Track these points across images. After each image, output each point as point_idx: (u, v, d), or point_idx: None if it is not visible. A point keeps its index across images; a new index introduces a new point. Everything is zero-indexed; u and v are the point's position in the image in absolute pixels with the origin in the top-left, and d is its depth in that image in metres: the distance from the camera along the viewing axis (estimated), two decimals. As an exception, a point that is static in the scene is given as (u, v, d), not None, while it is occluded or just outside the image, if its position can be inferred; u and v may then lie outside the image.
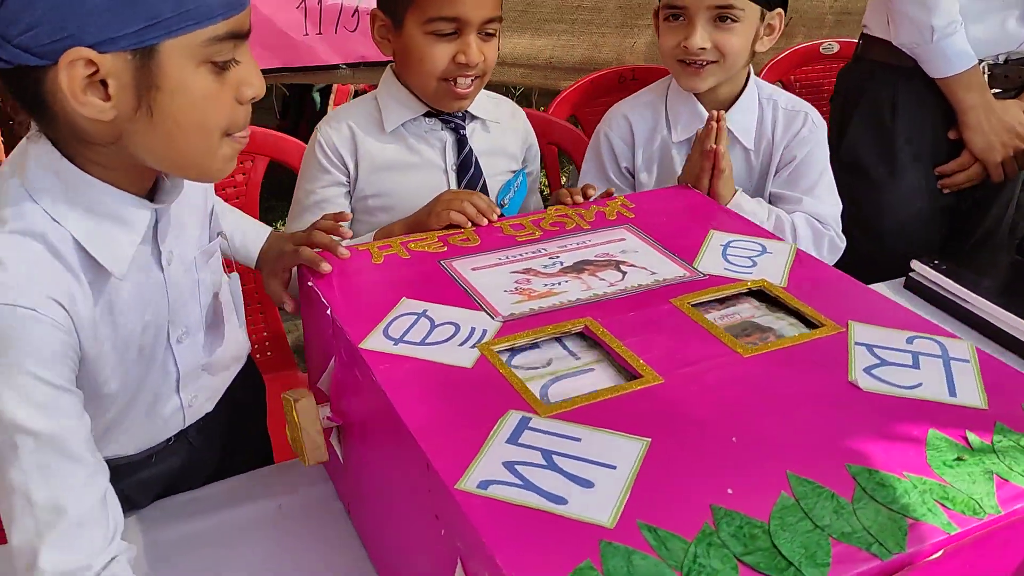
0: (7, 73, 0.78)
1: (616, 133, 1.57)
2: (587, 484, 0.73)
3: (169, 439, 1.09)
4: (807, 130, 1.51)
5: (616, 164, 1.57)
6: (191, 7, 0.77)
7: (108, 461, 1.04)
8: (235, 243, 1.19)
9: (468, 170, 1.38)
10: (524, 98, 3.12)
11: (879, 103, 1.79)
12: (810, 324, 0.98)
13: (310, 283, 1.07)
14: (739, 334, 0.95)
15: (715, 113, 1.37)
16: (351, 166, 1.37)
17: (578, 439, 0.78)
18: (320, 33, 2.05)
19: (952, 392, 0.85)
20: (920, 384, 0.86)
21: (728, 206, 1.36)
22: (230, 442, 1.19)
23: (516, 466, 0.75)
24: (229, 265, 1.12)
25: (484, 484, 0.73)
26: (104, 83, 0.77)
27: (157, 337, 0.98)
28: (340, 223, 1.10)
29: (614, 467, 0.75)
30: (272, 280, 1.15)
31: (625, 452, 0.76)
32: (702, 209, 1.28)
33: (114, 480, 1.06)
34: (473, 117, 1.41)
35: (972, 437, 0.78)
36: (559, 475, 0.74)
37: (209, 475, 1.14)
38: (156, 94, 0.79)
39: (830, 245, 1.47)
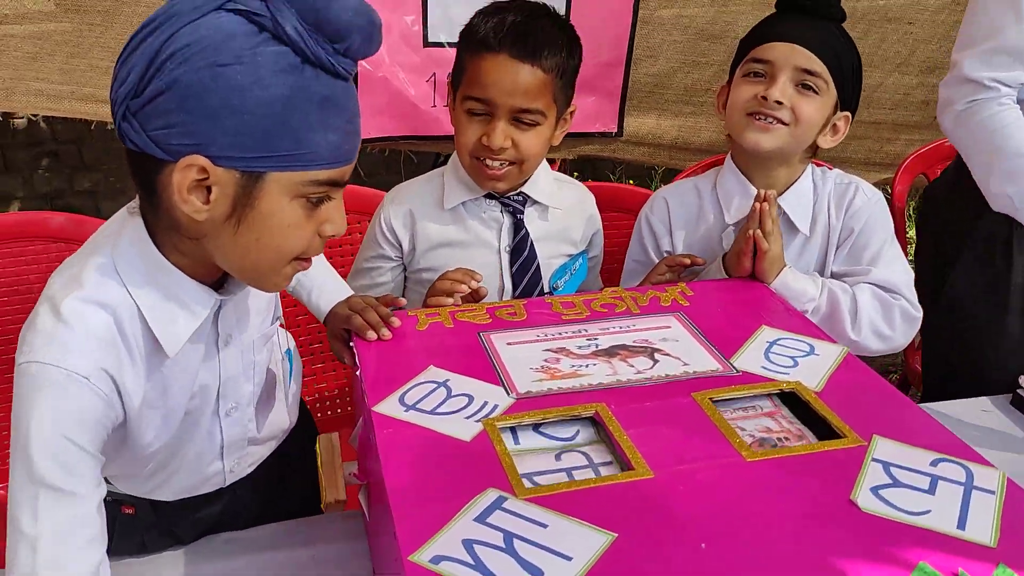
0: (132, 154, 0.88)
1: (656, 216, 1.55)
2: (537, 572, 0.73)
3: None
4: (860, 200, 1.44)
5: (656, 246, 1.54)
6: (303, 152, 0.85)
7: (153, 503, 1.13)
8: (311, 298, 1.27)
9: (522, 253, 1.40)
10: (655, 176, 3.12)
11: (991, 242, 1.63)
12: (834, 434, 0.93)
13: (352, 343, 1.13)
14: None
15: (762, 192, 1.33)
16: (406, 245, 1.43)
17: (545, 525, 0.78)
18: (447, 105, 2.15)
19: (961, 524, 0.78)
20: (928, 511, 0.80)
21: (773, 286, 1.32)
22: (276, 492, 1.25)
23: (475, 545, 0.76)
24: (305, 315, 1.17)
25: (437, 559, 0.74)
26: (209, 189, 0.86)
27: (203, 407, 1.05)
28: (392, 315, 1.15)
29: (570, 558, 0.74)
30: (333, 339, 1.22)
31: (587, 544, 0.76)
32: (763, 304, 1.25)
33: (159, 519, 1.15)
34: (534, 201, 1.43)
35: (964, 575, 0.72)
36: (513, 560, 0.74)
37: (253, 518, 1.20)
38: (249, 211, 0.87)
39: (903, 315, 1.37)
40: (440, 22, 2.08)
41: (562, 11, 2.12)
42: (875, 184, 2.49)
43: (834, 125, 1.42)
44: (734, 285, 1.32)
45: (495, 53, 1.27)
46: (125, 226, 0.94)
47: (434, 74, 2.15)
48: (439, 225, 1.41)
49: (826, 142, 1.44)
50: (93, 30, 1.96)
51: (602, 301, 1.23)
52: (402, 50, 2.09)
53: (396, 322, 1.14)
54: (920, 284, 1.57)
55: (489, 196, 1.41)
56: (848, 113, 1.44)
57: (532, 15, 1.31)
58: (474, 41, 1.30)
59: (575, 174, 3.61)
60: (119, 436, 0.96)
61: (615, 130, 2.33)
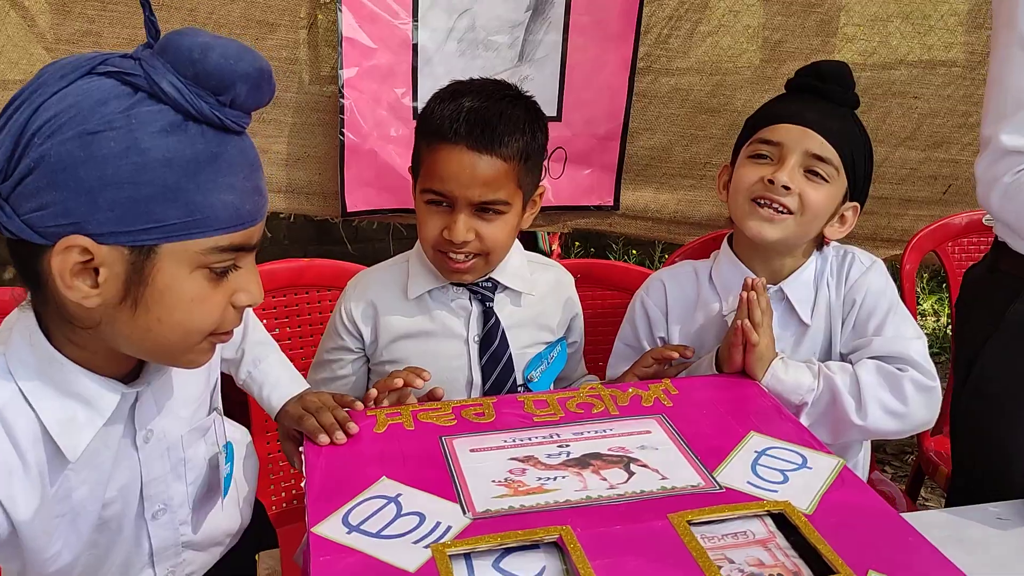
0: (11, 242, 0.81)
1: (652, 300, 1.46)
2: None
3: None
4: (856, 270, 1.36)
5: (650, 332, 1.45)
6: (199, 217, 0.78)
7: None
8: (262, 393, 1.18)
9: (492, 343, 1.31)
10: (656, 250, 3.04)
11: (1022, 329, 1.56)
12: (826, 568, 0.83)
13: (301, 448, 1.04)
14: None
15: (749, 280, 1.24)
16: (368, 337, 1.34)
17: None
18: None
19: None
20: (930, 672, 0.70)
21: (764, 383, 1.22)
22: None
23: None
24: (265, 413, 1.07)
25: None
26: (96, 271, 0.78)
27: (125, 511, 0.96)
28: (349, 419, 1.06)
29: None
30: (285, 439, 1.13)
31: None
32: (753, 404, 1.15)
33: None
34: (504, 287, 1.34)
35: None
36: None
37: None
38: (144, 290, 0.80)
39: (915, 386, 1.25)
40: (430, 95, 2.02)
41: (556, 87, 2.10)
42: (883, 261, 2.42)
43: (842, 215, 1.34)
44: (723, 382, 1.22)
45: (452, 144, 1.20)
46: (15, 326, 0.87)
47: (424, 148, 2.10)
48: (403, 316, 1.32)
49: (833, 233, 1.36)
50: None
51: (579, 400, 1.14)
52: (392, 122, 2.04)
53: (353, 428, 1.05)
54: (956, 370, 1.47)
55: (456, 283, 1.32)
56: (857, 204, 1.36)
57: (491, 97, 1.24)
58: (430, 130, 1.23)
59: (576, 244, 3.55)
60: (13, 546, 0.87)
61: (612, 203, 2.26)
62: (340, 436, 1.03)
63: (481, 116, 1.20)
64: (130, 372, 0.91)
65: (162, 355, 0.87)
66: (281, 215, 2.14)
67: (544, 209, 1.71)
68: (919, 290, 3.75)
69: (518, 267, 1.35)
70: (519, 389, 1.34)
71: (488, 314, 1.31)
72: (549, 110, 2.09)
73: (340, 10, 1.90)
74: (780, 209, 1.29)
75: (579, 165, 2.19)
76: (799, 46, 2.19)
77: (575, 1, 2.04)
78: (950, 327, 3.21)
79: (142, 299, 0.80)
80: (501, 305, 1.33)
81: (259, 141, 2.12)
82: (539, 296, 1.37)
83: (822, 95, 1.33)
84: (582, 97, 2.12)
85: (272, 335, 1.72)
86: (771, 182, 1.28)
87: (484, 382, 1.31)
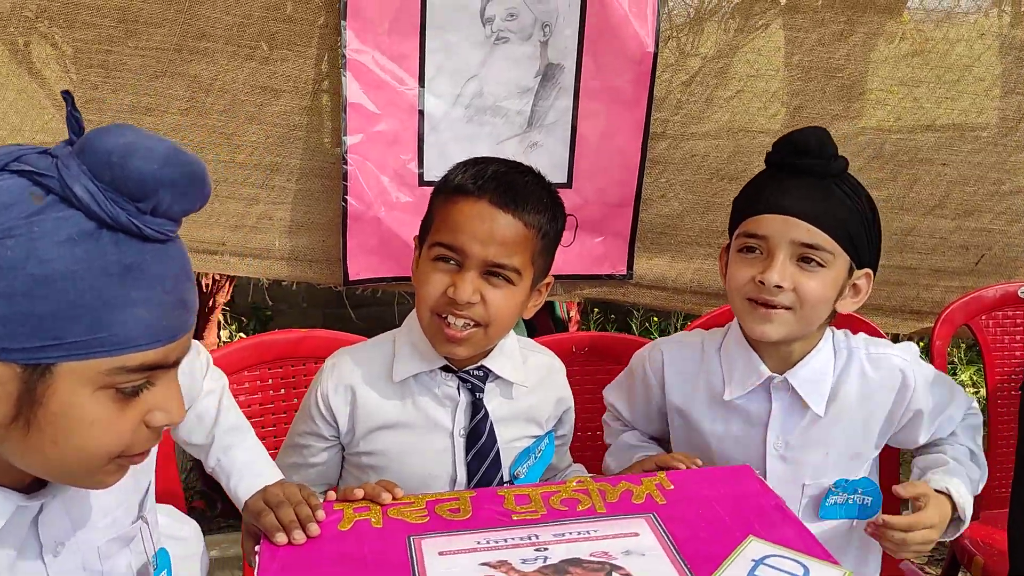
0: None
1: (650, 366, 1.38)
2: None
3: None
4: (908, 375, 1.30)
5: (647, 402, 1.38)
6: (104, 335, 0.71)
7: None
8: (229, 483, 1.10)
9: (479, 438, 1.20)
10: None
11: None
12: None
13: (257, 548, 0.96)
14: None
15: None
16: (344, 425, 1.24)
17: None
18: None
19: None
20: None
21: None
22: None
23: None
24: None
25: None
26: None
27: None
28: (312, 518, 0.99)
29: None
30: (246, 536, 1.05)
31: None
32: (754, 503, 1.05)
33: None
34: (496, 376, 1.24)
35: None
36: None
37: None
38: (38, 410, 0.72)
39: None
40: (436, 162, 1.97)
41: (566, 154, 2.05)
42: (913, 335, 2.30)
43: (854, 285, 1.25)
44: (723, 476, 1.13)
45: (475, 199, 1.14)
46: None
47: (429, 213, 2.05)
48: (383, 403, 1.22)
49: (846, 306, 1.27)
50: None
51: (564, 496, 1.05)
52: (396, 189, 1.99)
53: (314, 529, 0.96)
54: (1018, 452, 1.39)
55: (445, 369, 1.22)
56: (868, 270, 1.27)
57: (516, 169, 1.20)
58: (449, 188, 1.18)
59: (595, 310, 3.47)
60: None
61: (625, 272, 2.18)
62: (298, 536, 0.95)
63: (507, 179, 1.16)
64: (34, 481, 0.83)
65: (62, 477, 0.79)
66: (284, 283, 2.10)
67: (556, 277, 1.66)
68: (956, 360, 3.60)
69: (512, 355, 1.26)
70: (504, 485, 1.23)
71: (477, 406, 1.22)
72: (559, 177, 2.04)
73: (345, 76, 1.88)
74: (775, 306, 1.22)
75: (591, 233, 2.12)
76: (820, 111, 2.12)
77: (586, 66, 1.99)
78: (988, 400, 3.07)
79: (35, 420, 0.72)
80: (491, 396, 1.24)
81: (263, 207, 2.10)
82: (530, 388, 1.28)
83: (802, 171, 1.22)
84: (594, 164, 2.06)
85: (266, 408, 1.66)
86: (762, 283, 1.20)
87: (469, 479, 1.21)
